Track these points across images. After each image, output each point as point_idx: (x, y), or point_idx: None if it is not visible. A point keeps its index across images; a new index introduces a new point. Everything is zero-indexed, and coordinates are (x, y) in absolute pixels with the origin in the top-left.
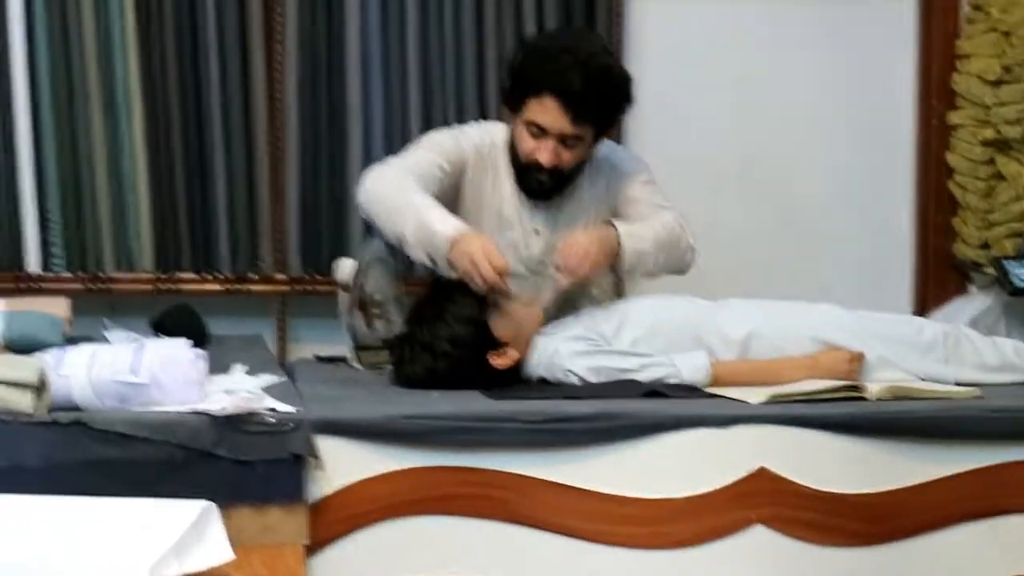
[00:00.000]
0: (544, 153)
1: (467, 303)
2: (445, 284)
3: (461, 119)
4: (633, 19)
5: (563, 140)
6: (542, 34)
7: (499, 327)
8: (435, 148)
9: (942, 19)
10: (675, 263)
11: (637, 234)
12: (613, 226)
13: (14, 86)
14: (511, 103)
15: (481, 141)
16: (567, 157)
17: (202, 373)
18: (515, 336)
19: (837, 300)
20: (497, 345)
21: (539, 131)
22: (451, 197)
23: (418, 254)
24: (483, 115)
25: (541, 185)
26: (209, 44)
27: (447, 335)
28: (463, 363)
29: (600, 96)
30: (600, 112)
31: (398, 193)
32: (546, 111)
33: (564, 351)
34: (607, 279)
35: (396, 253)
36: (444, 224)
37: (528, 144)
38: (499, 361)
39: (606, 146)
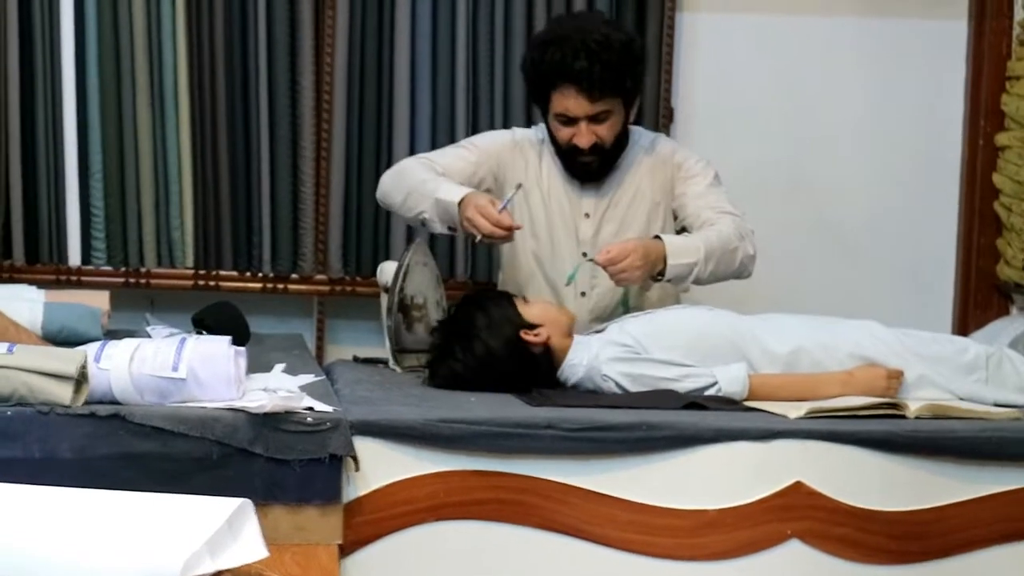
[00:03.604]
0: (580, 137)
1: (497, 297)
2: (474, 292)
3: (508, 123)
4: (684, 34)
5: (594, 119)
6: (544, 28)
7: (529, 313)
8: (464, 143)
9: (994, 40)
10: (727, 272)
11: (684, 248)
12: (661, 240)
13: (62, 78)
14: (537, 102)
15: (524, 135)
16: (604, 133)
17: (241, 370)
18: (545, 320)
19: (878, 318)
20: (530, 326)
21: (568, 120)
22: (490, 185)
23: (441, 228)
24: (530, 119)
25: (588, 166)
26: (258, 41)
27: (482, 320)
28: (499, 348)
29: (608, 67)
30: (615, 82)
31: (408, 178)
32: (566, 99)
33: (603, 355)
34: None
35: (437, 256)
36: (451, 193)
37: (563, 133)
38: (532, 339)
39: (672, 144)
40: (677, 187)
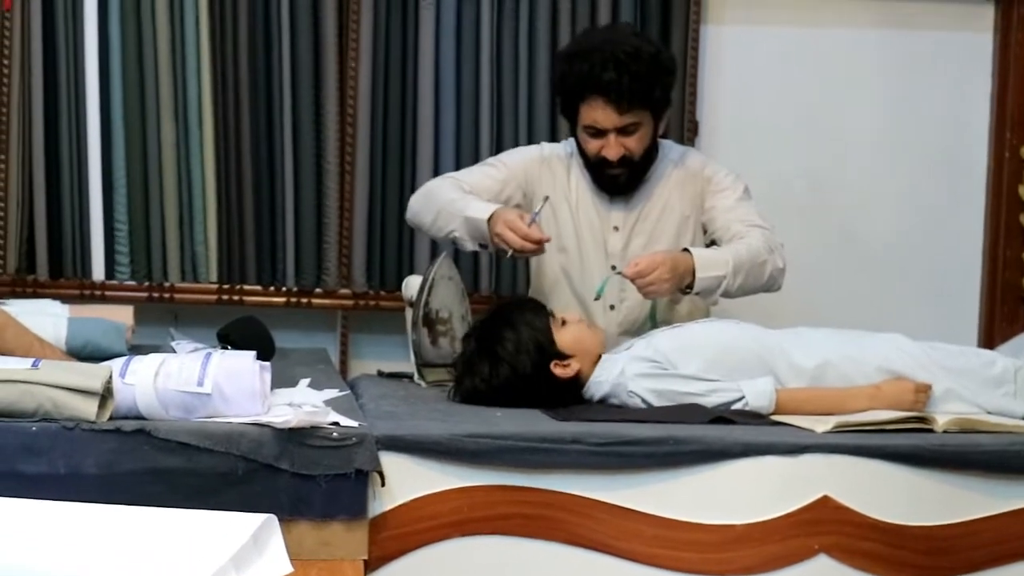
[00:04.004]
0: (608, 149)
1: (533, 315)
2: (511, 300)
3: (532, 139)
4: (708, 46)
5: (623, 131)
6: (573, 40)
7: (562, 340)
8: (492, 160)
9: (1019, 52)
10: (757, 285)
11: (713, 261)
12: (690, 253)
13: (86, 93)
14: (566, 115)
15: (552, 150)
16: (633, 145)
17: (266, 385)
18: (578, 350)
19: (903, 331)
20: (561, 357)
21: (597, 131)
22: (519, 201)
23: (472, 245)
24: (554, 134)
25: (617, 179)
26: (282, 55)
27: (512, 341)
28: (526, 374)
29: (637, 79)
30: (644, 94)
31: (436, 199)
32: (595, 111)
33: (629, 372)
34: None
35: (462, 271)
36: (479, 210)
37: (592, 145)
38: (561, 371)
39: (701, 158)
40: (707, 200)
